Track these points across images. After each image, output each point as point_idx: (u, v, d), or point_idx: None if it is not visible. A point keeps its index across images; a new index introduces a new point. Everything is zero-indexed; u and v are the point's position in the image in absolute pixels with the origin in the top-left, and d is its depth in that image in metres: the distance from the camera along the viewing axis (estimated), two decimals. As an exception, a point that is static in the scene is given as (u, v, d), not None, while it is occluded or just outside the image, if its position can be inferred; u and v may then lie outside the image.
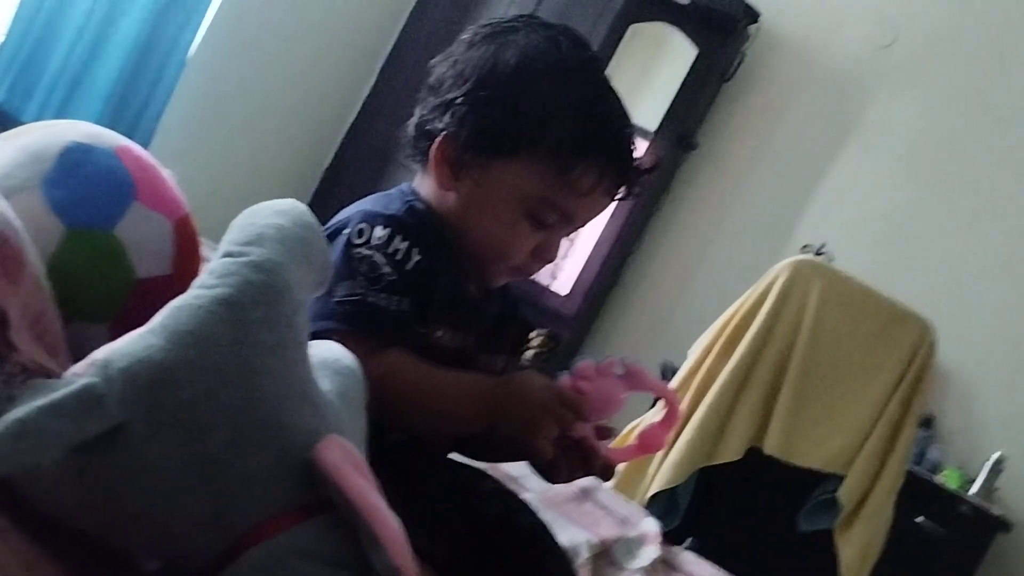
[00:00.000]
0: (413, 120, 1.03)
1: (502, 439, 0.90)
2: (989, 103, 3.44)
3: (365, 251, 0.91)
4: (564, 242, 1.04)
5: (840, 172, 3.63)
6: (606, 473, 0.93)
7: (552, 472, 0.93)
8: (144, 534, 0.61)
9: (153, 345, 0.59)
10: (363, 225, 0.93)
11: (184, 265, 0.82)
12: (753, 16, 3.59)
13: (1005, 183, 3.38)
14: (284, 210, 0.70)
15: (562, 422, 0.87)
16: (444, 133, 0.97)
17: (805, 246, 3.53)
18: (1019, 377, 3.26)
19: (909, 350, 2.33)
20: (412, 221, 0.95)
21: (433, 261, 0.94)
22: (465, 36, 1.02)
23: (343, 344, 0.76)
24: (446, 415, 0.92)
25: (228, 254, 0.65)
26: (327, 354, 0.73)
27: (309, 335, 0.67)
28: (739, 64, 3.73)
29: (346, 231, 0.93)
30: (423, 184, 1.02)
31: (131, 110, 3.20)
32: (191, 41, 3.33)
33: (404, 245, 0.92)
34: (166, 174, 0.86)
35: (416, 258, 0.92)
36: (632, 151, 1.00)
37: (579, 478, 0.94)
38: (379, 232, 0.92)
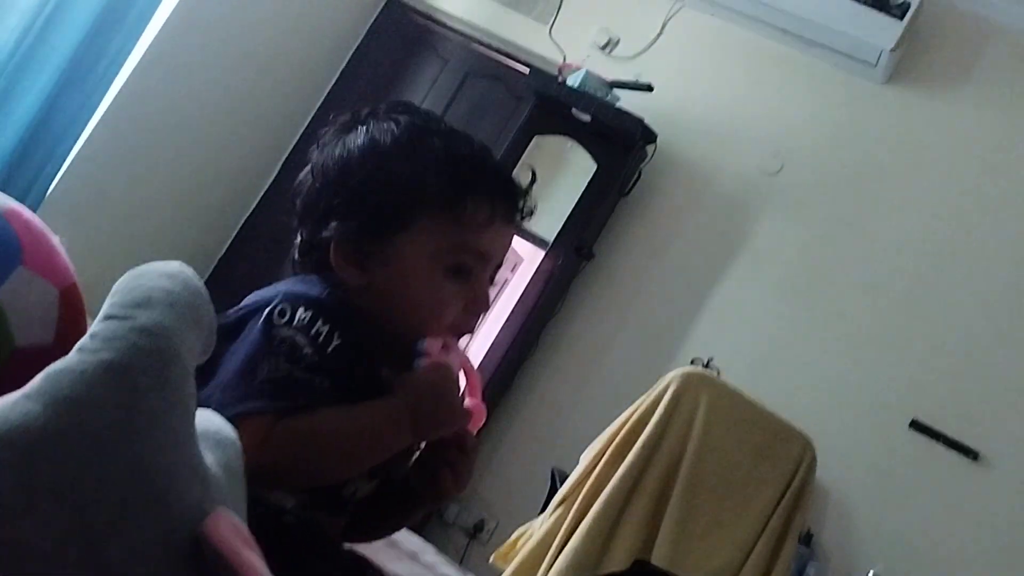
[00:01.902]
0: (295, 246, 1.05)
1: (416, 451, 0.96)
2: (864, 234, 3.65)
3: (287, 332, 0.91)
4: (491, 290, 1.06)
5: (728, 290, 3.76)
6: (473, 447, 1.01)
7: (441, 485, 0.99)
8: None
9: (31, 412, 0.55)
10: (285, 306, 0.92)
11: (68, 335, 0.78)
12: (651, 136, 3.75)
13: (877, 309, 3.56)
14: (172, 273, 0.67)
15: (455, 381, 0.95)
16: (334, 238, 0.99)
17: (694, 359, 3.61)
18: (894, 496, 3.36)
19: (792, 465, 2.39)
20: (334, 305, 0.95)
21: (354, 346, 0.94)
22: (312, 151, 1.07)
23: (260, 419, 0.75)
24: (379, 447, 0.93)
25: (113, 316, 0.62)
26: (207, 424, 0.70)
27: (236, 417, 0.64)
28: (636, 180, 3.87)
29: (265, 310, 0.92)
30: (336, 279, 1.02)
31: (24, 175, 3.10)
32: (92, 112, 3.28)
33: (326, 328, 0.92)
34: (56, 240, 0.83)
35: (337, 341, 0.92)
36: (506, 173, 1.05)
37: (463, 477, 1.00)
38: (302, 313, 0.92)
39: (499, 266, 1.05)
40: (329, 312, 0.93)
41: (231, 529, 0.58)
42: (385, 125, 1.02)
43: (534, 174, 1.09)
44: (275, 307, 0.92)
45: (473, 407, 1.01)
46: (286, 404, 0.86)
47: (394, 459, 0.97)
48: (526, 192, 1.05)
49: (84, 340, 0.61)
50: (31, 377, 0.59)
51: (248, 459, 0.73)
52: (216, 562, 0.56)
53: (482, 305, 1.02)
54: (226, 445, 0.70)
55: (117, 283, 0.66)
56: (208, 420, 0.71)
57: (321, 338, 0.91)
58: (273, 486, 0.87)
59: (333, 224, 0.99)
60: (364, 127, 1.03)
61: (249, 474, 0.71)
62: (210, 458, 0.66)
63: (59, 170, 3.24)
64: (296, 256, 1.05)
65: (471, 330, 1.06)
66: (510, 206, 1.02)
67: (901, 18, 3.47)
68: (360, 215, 0.98)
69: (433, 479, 1.00)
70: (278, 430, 0.84)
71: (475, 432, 1.02)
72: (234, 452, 0.70)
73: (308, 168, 1.05)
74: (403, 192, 0.98)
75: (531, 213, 1.06)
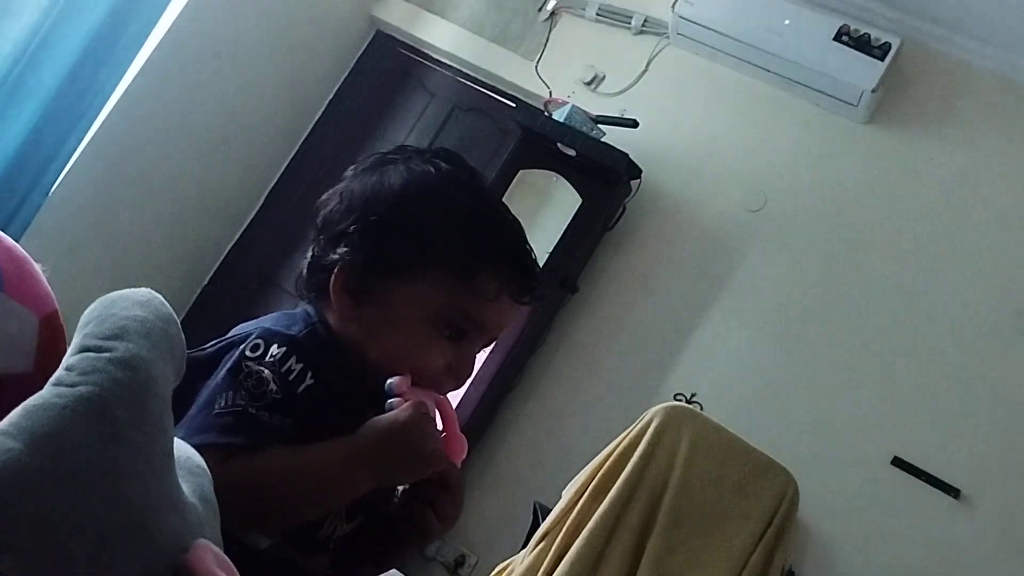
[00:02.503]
0: (306, 260, 1.03)
1: (398, 500, 0.93)
2: (846, 272, 3.68)
3: (255, 366, 0.89)
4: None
5: (711, 325, 3.77)
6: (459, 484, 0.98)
7: (425, 525, 0.96)
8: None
9: (10, 449, 0.54)
10: (259, 341, 0.91)
11: (47, 364, 0.76)
12: (635, 172, 3.78)
13: (859, 346, 3.58)
14: (143, 301, 0.67)
15: (431, 423, 0.92)
16: (340, 264, 0.98)
17: (677, 394, 3.62)
18: (876, 532, 3.36)
19: (774, 501, 2.38)
20: (310, 344, 0.94)
21: (327, 387, 0.92)
22: (349, 171, 1.05)
23: (215, 454, 0.73)
24: (338, 484, 0.90)
25: (88, 348, 0.61)
26: (180, 453, 0.69)
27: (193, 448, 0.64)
28: (620, 216, 3.89)
29: (241, 345, 0.91)
30: (326, 312, 1.01)
31: (8, 204, 3.09)
32: (77, 143, 3.27)
33: (299, 367, 0.91)
34: (37, 268, 0.82)
35: (308, 382, 0.90)
36: (527, 252, 1.03)
37: (449, 516, 0.96)
38: (275, 350, 0.90)
39: (493, 338, 1.03)
40: (304, 351, 0.91)
41: (213, 559, 0.57)
42: (424, 169, 1.01)
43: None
44: (249, 342, 0.91)
45: (453, 439, 1.00)
46: (235, 440, 0.84)
47: (373, 498, 0.96)
48: (539, 277, 1.03)
49: (60, 373, 0.60)
50: (9, 406, 0.58)
51: None
52: (196, 594, 0.55)
53: (465, 372, 1.01)
54: (199, 474, 0.69)
55: (88, 311, 0.65)
56: (181, 449, 0.70)
57: (292, 376, 0.90)
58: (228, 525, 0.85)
59: (343, 249, 0.98)
60: (405, 166, 1.01)
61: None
62: (186, 487, 0.65)
63: (43, 199, 3.23)
64: (304, 271, 1.03)
65: (444, 392, 1.02)
66: (521, 287, 1.01)
67: (882, 59, 3.53)
68: (370, 251, 0.97)
69: (417, 518, 0.97)
70: (225, 469, 0.80)
71: (458, 464, 1.00)
72: (207, 481, 0.70)
73: (338, 187, 1.04)
74: (418, 242, 0.97)
75: (539, 299, 1.05)
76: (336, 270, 0.97)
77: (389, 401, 0.93)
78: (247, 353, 0.89)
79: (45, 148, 3.14)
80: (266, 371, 0.88)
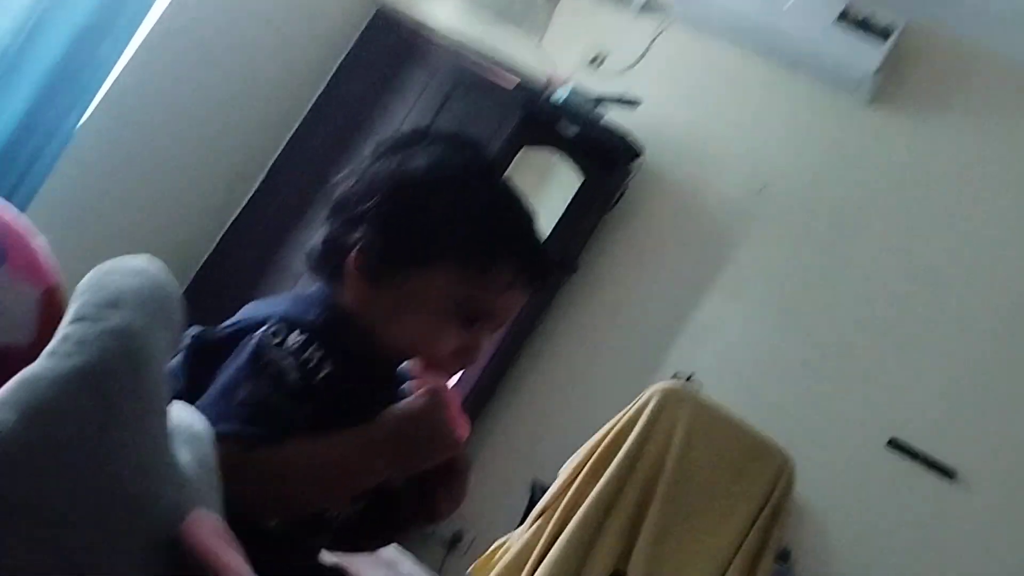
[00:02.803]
0: (321, 236, 1.03)
1: (400, 486, 0.94)
2: (846, 253, 3.68)
3: (276, 354, 0.89)
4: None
5: (710, 306, 3.78)
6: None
7: (434, 507, 0.99)
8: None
9: (5, 421, 0.55)
10: (280, 327, 0.91)
11: (48, 336, 0.77)
12: (636, 152, 3.77)
13: (858, 328, 3.58)
14: (140, 270, 0.67)
15: (448, 408, 0.93)
16: (358, 246, 0.98)
17: (675, 374, 3.63)
18: (872, 514, 3.38)
19: (770, 481, 2.39)
20: (329, 330, 0.94)
21: (345, 373, 0.92)
22: (368, 151, 1.04)
23: (238, 444, 0.74)
24: (358, 474, 0.91)
25: (83, 317, 0.61)
26: (179, 419, 0.69)
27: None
28: (621, 196, 3.88)
29: (260, 331, 0.90)
30: (340, 293, 1.01)
31: (10, 176, 3.09)
32: (79, 116, 3.27)
33: (318, 355, 0.91)
34: (39, 242, 0.82)
35: (328, 369, 0.91)
36: (541, 243, 1.04)
37: (456, 497, 1.00)
38: (295, 337, 0.91)
39: (502, 324, 1.04)
40: (323, 338, 0.92)
41: (211, 529, 0.57)
42: (446, 156, 1.01)
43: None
44: (269, 328, 0.90)
45: (457, 420, 1.00)
46: (259, 431, 0.85)
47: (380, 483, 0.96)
48: (551, 267, 1.06)
49: (55, 343, 0.60)
50: (7, 378, 0.59)
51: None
52: (197, 563, 0.56)
53: (473, 357, 1.02)
54: (199, 439, 0.69)
55: (84, 280, 0.65)
56: (181, 416, 0.70)
57: (311, 364, 0.90)
58: (246, 513, 0.86)
59: (361, 232, 0.98)
60: (427, 151, 1.01)
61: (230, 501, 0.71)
62: (185, 455, 0.65)
63: (46, 173, 3.22)
64: (318, 248, 1.03)
65: (450, 375, 1.04)
66: (533, 279, 1.02)
67: (885, 41, 3.51)
68: (390, 235, 0.97)
69: (424, 499, 0.98)
70: (248, 459, 0.82)
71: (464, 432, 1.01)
72: (208, 447, 0.70)
73: (356, 167, 1.03)
74: (438, 232, 0.97)
75: (549, 288, 1.06)
76: (354, 252, 0.97)
77: (404, 385, 0.94)
78: (267, 341, 0.89)
79: (47, 121, 3.13)
80: (287, 360, 0.89)
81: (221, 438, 0.80)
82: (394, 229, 0.97)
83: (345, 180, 1.03)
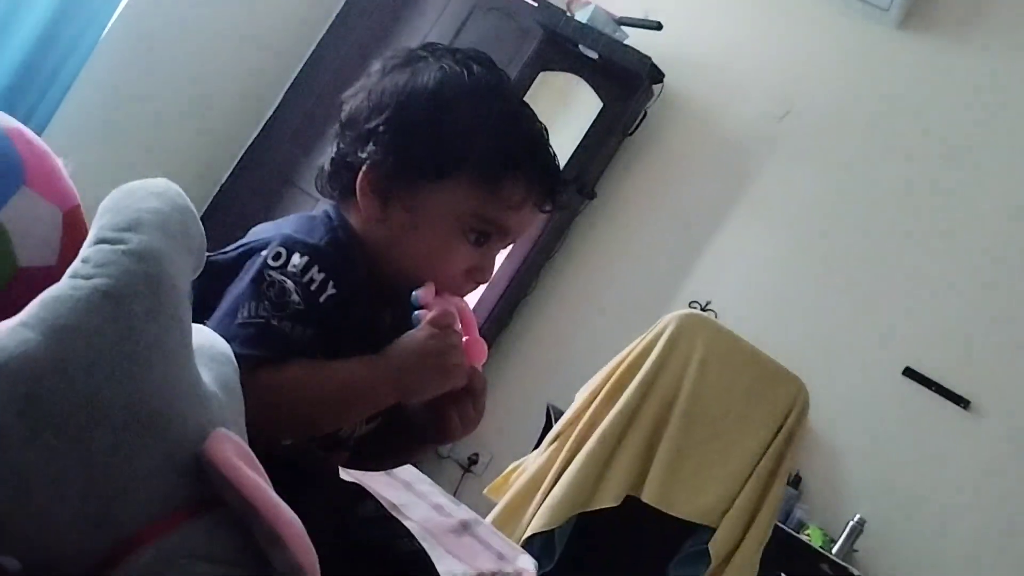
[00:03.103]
0: (329, 155, 1.02)
1: (413, 406, 0.93)
2: (867, 181, 3.63)
3: (278, 276, 0.88)
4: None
5: (729, 234, 3.76)
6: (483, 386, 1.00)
7: (447, 427, 0.97)
8: (17, 539, 0.56)
9: (29, 340, 0.55)
10: (281, 249, 0.90)
11: (70, 257, 0.77)
12: (658, 76, 3.71)
13: (876, 257, 3.56)
14: (159, 192, 0.66)
15: (456, 341, 0.93)
16: (368, 163, 0.96)
17: (692, 302, 3.63)
18: (884, 442, 3.40)
19: (784, 408, 2.41)
20: (332, 252, 0.93)
21: (348, 295, 0.92)
22: (376, 67, 1.02)
23: (239, 365, 0.74)
24: (362, 402, 0.92)
25: (104, 240, 0.61)
26: (202, 340, 0.70)
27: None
28: (641, 120, 3.83)
29: (263, 252, 0.90)
30: (348, 212, 1.00)
31: (28, 98, 3.07)
32: (97, 35, 3.24)
33: (320, 276, 0.90)
34: (59, 163, 0.82)
35: (331, 291, 0.90)
36: (554, 161, 1.02)
37: (471, 419, 0.98)
38: (296, 259, 0.90)
39: (513, 242, 1.03)
40: (326, 260, 0.91)
41: (232, 448, 0.58)
42: (458, 71, 0.98)
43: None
44: (272, 250, 0.90)
45: (473, 343, 1.00)
46: (261, 353, 0.84)
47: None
48: (565, 186, 1.03)
49: (76, 265, 0.60)
50: (33, 298, 0.59)
51: None
52: (219, 481, 0.57)
53: (485, 275, 1.01)
54: (222, 361, 0.70)
55: (105, 201, 0.65)
56: (204, 337, 0.71)
57: (314, 287, 0.89)
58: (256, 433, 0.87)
59: (371, 149, 0.96)
60: (438, 65, 0.99)
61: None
62: (208, 376, 0.66)
63: (63, 95, 3.21)
64: (327, 167, 1.01)
65: (463, 295, 1.03)
66: (546, 196, 1.00)
67: (917, -38, 3.41)
68: (400, 152, 0.95)
69: (439, 420, 0.98)
70: (249, 380, 0.80)
71: (478, 367, 1.01)
72: (231, 368, 0.70)
73: (365, 83, 1.01)
74: (449, 147, 0.95)
75: (562, 207, 1.04)
76: (363, 170, 0.96)
77: (415, 313, 0.94)
78: (269, 262, 0.88)
79: (63, 41, 3.11)
80: (288, 281, 0.88)
81: None
82: (403, 145, 0.95)
83: (353, 97, 1.01)
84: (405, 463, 1.19)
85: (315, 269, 0.90)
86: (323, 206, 1.03)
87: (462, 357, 0.95)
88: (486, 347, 1.02)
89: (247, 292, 0.87)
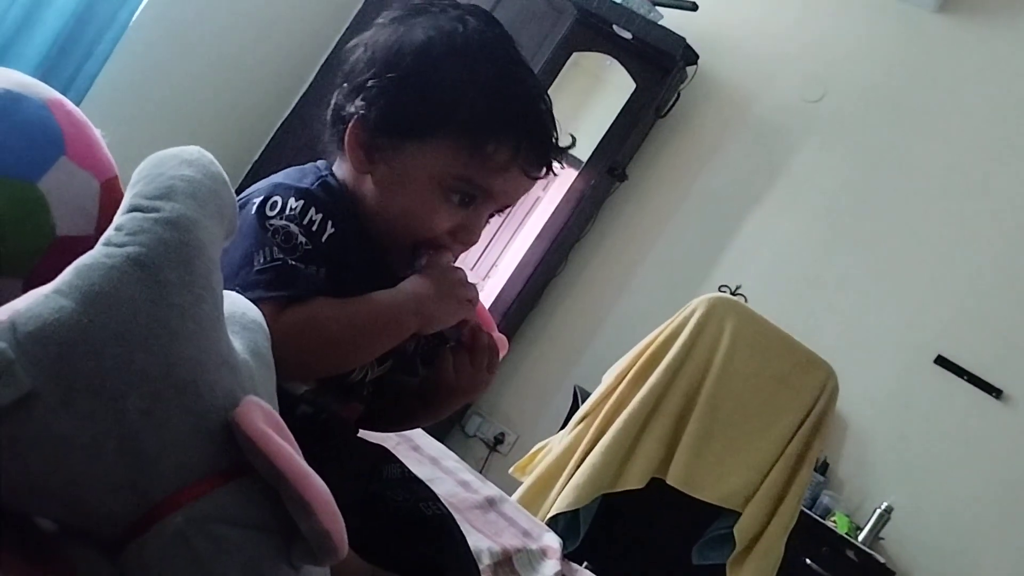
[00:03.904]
0: (330, 106, 1.02)
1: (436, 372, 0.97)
2: (902, 167, 3.58)
3: (280, 222, 0.89)
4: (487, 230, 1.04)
5: (761, 218, 3.73)
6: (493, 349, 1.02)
7: (463, 378, 1.00)
8: (52, 502, 0.57)
9: (64, 307, 0.56)
10: (276, 198, 0.91)
11: (107, 227, 0.78)
12: (692, 58, 3.68)
13: (910, 243, 3.52)
14: (192, 160, 0.67)
15: (463, 276, 0.96)
16: (356, 117, 0.96)
17: (722, 286, 3.61)
18: (913, 430, 3.37)
19: (812, 394, 2.39)
20: (324, 195, 0.94)
21: (348, 234, 0.93)
22: (380, 19, 1.01)
23: (267, 309, 0.75)
24: (388, 331, 0.93)
25: (137, 208, 0.62)
26: (233, 308, 0.70)
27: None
28: (674, 102, 3.81)
29: (256, 201, 0.91)
30: (340, 166, 1.01)
31: (66, 70, 3.10)
32: (135, 8, 3.26)
33: (319, 217, 0.91)
34: (97, 133, 0.83)
35: (331, 230, 0.91)
36: (546, 126, 0.99)
37: (487, 364, 1.01)
38: (292, 203, 0.91)
39: (506, 207, 1.02)
40: (320, 202, 0.92)
41: (262, 416, 0.59)
42: (450, 28, 0.97)
43: (574, 140, 1.04)
44: (266, 199, 0.91)
45: (497, 339, 1.02)
46: (284, 293, 0.86)
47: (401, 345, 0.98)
48: (557, 152, 1.00)
49: (110, 233, 0.61)
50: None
51: None
52: (248, 449, 0.57)
53: (470, 237, 1.00)
54: (253, 329, 0.70)
55: (138, 169, 0.66)
56: (235, 304, 0.71)
57: (315, 227, 0.90)
58: (280, 379, 0.88)
59: (360, 103, 0.96)
60: (433, 21, 0.98)
61: None
62: (238, 344, 0.66)
63: (99, 69, 3.23)
64: (328, 119, 1.02)
65: (453, 255, 1.02)
66: (535, 159, 0.98)
67: (960, -57, 3.35)
68: (385, 107, 0.95)
69: (451, 372, 1.01)
70: (280, 321, 0.82)
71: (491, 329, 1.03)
72: (262, 336, 0.71)
73: (365, 35, 1.01)
74: (433, 105, 0.94)
75: (555, 174, 1.02)
76: (351, 124, 0.96)
77: (419, 261, 0.96)
78: (267, 211, 0.89)
79: (102, 13, 3.12)
80: (291, 225, 0.89)
81: None
82: (389, 102, 0.94)
83: (353, 49, 1.00)
84: (415, 426, 1.20)
85: (312, 210, 0.91)
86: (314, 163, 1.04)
87: (471, 289, 0.97)
88: (506, 342, 1.04)
89: (254, 242, 0.88)
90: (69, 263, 0.61)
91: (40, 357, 0.54)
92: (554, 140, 0.99)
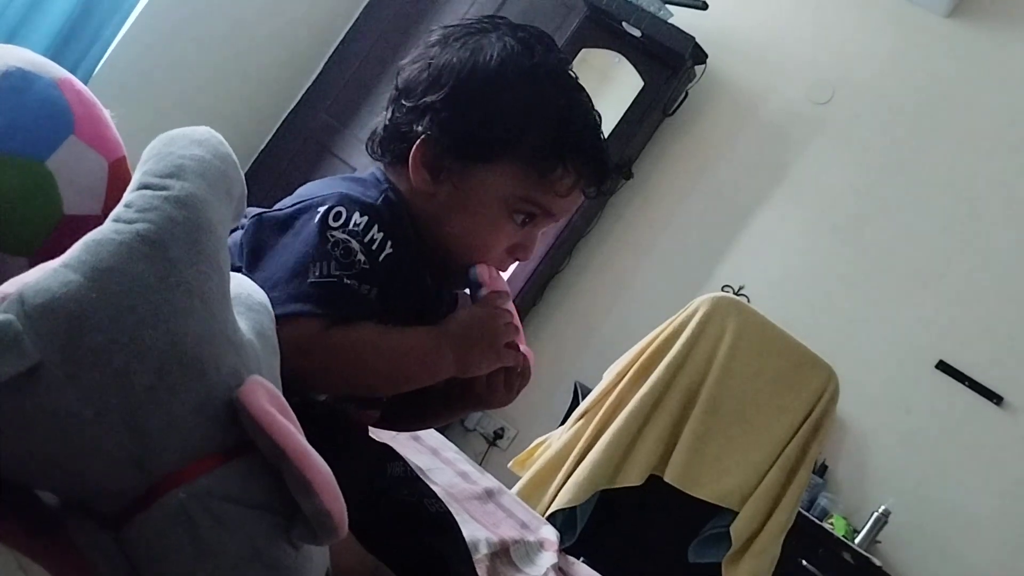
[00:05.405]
0: (383, 121, 1.02)
1: (465, 379, 0.96)
2: (908, 171, 3.58)
3: (342, 235, 0.90)
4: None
5: (766, 219, 3.73)
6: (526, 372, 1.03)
7: (493, 395, 1.01)
8: (56, 476, 0.58)
9: (72, 281, 0.56)
10: (341, 208, 0.91)
11: (114, 207, 0.79)
12: (701, 57, 3.67)
13: (914, 248, 3.51)
14: (202, 140, 0.67)
15: (512, 320, 0.96)
16: (423, 138, 0.97)
17: (725, 286, 3.61)
18: (913, 434, 3.37)
19: (813, 395, 2.39)
20: (388, 213, 0.94)
21: (403, 256, 0.93)
22: (435, 37, 1.02)
23: (308, 323, 0.75)
24: (423, 371, 0.93)
25: (147, 186, 0.62)
26: (239, 289, 0.71)
27: (284, 317, 0.65)
28: (682, 101, 3.80)
29: (321, 209, 0.91)
30: (396, 178, 1.01)
31: (72, 54, 3.11)
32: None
33: (380, 236, 0.92)
34: (106, 113, 0.83)
35: (388, 250, 0.92)
36: (604, 150, 1.02)
37: (517, 386, 1.02)
38: (357, 219, 0.91)
39: (556, 222, 1.05)
40: (384, 220, 0.92)
41: (266, 396, 0.59)
42: (519, 51, 0.98)
43: (630, 171, 1.05)
44: (331, 208, 0.90)
45: (525, 352, 1.02)
46: (334, 312, 0.86)
47: None
48: (611, 174, 1.05)
49: (119, 209, 0.61)
50: (79, 245, 0.60)
51: (290, 362, 0.73)
52: (251, 427, 0.58)
53: (527, 253, 1.02)
54: (258, 310, 0.71)
55: (148, 148, 0.66)
56: (241, 285, 0.72)
57: (375, 246, 0.91)
58: (308, 390, 0.87)
59: (427, 123, 0.96)
60: (501, 44, 0.99)
61: (287, 376, 0.72)
62: (244, 324, 0.67)
63: (105, 51, 3.23)
64: (380, 132, 1.02)
65: (503, 270, 1.04)
66: (593, 184, 1.02)
67: (971, -52, 3.34)
68: (455, 130, 0.96)
69: (469, 388, 1.01)
70: (323, 339, 0.83)
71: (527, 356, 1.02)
72: (267, 317, 0.71)
73: (423, 53, 1.01)
74: (504, 130, 0.96)
75: (605, 194, 1.04)
76: (417, 143, 0.96)
77: (480, 290, 0.97)
78: (330, 222, 0.89)
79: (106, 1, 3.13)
80: (353, 241, 0.89)
81: (296, 317, 0.83)
82: (459, 124, 0.96)
83: (412, 64, 1.00)
84: (431, 426, 1.21)
85: (375, 228, 0.91)
86: (371, 170, 1.04)
87: (515, 335, 0.98)
88: (532, 355, 1.04)
89: (313, 251, 0.88)
90: (75, 242, 0.61)
91: (48, 330, 0.55)
92: (609, 163, 1.03)
